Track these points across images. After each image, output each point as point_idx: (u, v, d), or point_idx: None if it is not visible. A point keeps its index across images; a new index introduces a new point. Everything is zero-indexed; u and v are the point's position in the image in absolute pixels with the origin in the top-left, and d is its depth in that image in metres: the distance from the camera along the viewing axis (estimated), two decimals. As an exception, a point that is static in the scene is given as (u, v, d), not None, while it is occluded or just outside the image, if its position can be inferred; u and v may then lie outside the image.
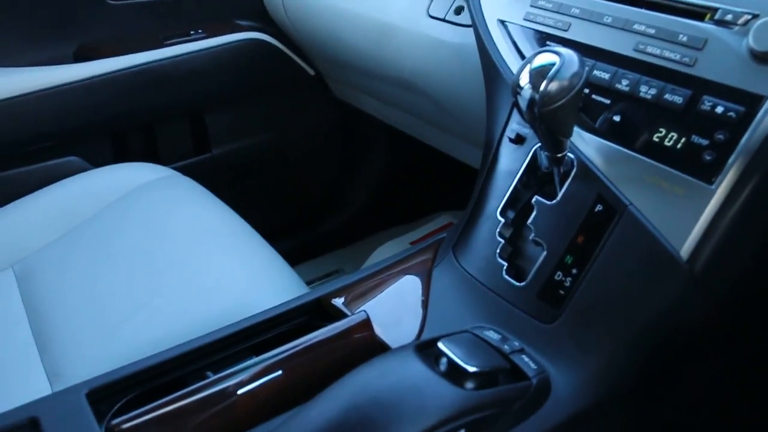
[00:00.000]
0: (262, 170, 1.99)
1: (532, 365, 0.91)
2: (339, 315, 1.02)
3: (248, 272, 1.29)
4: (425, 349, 0.90)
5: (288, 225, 1.99)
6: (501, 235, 1.03)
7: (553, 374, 0.92)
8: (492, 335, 0.95)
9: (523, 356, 0.92)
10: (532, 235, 1.00)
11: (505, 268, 1.01)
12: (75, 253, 1.35)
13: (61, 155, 1.76)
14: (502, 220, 1.04)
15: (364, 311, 0.95)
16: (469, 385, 0.85)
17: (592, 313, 0.93)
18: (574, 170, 0.99)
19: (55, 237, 1.41)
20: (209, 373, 0.95)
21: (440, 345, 0.87)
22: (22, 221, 1.47)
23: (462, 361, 0.85)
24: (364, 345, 0.94)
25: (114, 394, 0.93)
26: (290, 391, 0.89)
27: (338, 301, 1.05)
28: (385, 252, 2.00)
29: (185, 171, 1.62)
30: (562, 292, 0.95)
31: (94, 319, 1.20)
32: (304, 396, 0.89)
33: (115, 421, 0.80)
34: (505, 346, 0.93)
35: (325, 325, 1.02)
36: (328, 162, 2.09)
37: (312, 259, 2.00)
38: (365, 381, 0.84)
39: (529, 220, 1.01)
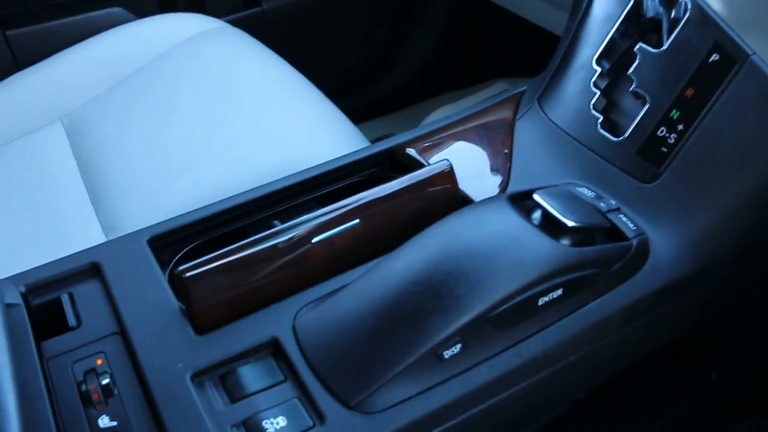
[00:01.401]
0: (314, 27, 1.85)
1: (631, 225, 0.82)
2: (415, 166, 0.93)
3: (310, 124, 1.19)
4: (518, 201, 0.80)
5: (338, 86, 1.87)
6: (596, 85, 0.92)
7: (652, 237, 0.83)
8: (585, 192, 0.85)
9: (621, 216, 0.83)
10: (633, 86, 0.88)
11: (600, 121, 0.90)
12: (126, 104, 1.25)
13: (103, 5, 1.64)
14: (598, 69, 0.92)
15: (447, 160, 0.85)
16: (565, 241, 0.76)
17: (697, 173, 0.83)
18: (688, 14, 0.86)
19: (103, 89, 1.31)
20: (277, 222, 0.87)
21: (536, 197, 0.78)
22: (67, 73, 1.36)
23: (560, 214, 0.76)
24: (447, 197, 0.85)
25: (176, 242, 0.86)
26: (367, 242, 0.81)
27: (413, 151, 0.95)
28: (439, 116, 1.89)
29: (234, 25, 1.50)
30: (664, 149, 0.85)
31: (149, 170, 1.12)
32: (381, 248, 0.81)
33: (180, 268, 0.73)
34: (601, 204, 0.83)
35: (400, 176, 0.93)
36: (384, 20, 1.95)
37: (363, 122, 1.89)
38: (457, 230, 0.75)
39: (630, 70, 0.89)
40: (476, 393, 0.71)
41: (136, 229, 0.87)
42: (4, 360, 0.59)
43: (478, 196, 0.88)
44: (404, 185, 0.83)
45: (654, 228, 0.83)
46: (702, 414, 1.27)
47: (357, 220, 0.80)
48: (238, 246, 0.75)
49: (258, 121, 1.18)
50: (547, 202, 0.77)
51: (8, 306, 0.65)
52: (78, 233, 1.06)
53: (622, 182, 0.87)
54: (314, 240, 0.78)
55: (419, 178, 0.83)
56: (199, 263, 0.73)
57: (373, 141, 1.88)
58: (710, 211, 0.83)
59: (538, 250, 0.73)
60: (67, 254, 0.83)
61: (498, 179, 0.91)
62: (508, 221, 0.76)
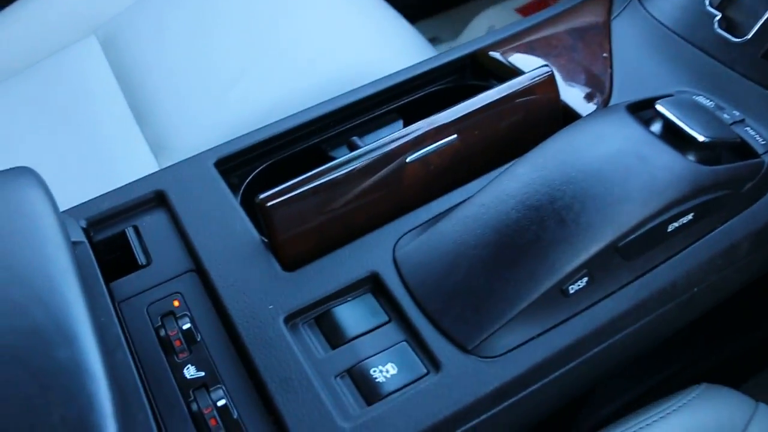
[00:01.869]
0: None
1: (759, 140, 0.72)
2: (502, 71, 0.82)
3: (371, 31, 1.07)
4: (637, 113, 0.70)
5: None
6: (712, -23, 0.80)
7: None
8: (703, 101, 0.75)
9: (747, 128, 0.73)
10: (759, -23, 0.77)
11: (717, 19, 0.79)
12: (165, 11, 1.13)
13: None
14: (715, -43, 0.80)
15: (547, 65, 0.75)
16: (691, 157, 0.67)
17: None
18: None
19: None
20: (355, 139, 0.77)
21: (660, 107, 0.68)
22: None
23: (689, 127, 0.66)
24: (549, 108, 0.75)
25: (244, 163, 0.76)
26: (465, 159, 0.71)
27: (498, 55, 0.84)
28: (486, 19, 1.75)
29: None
30: (797, 51, 0.74)
31: (196, 84, 1.01)
32: (479, 167, 0.71)
33: (261, 196, 0.63)
34: (724, 116, 0.73)
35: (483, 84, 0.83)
36: None
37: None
38: (577, 147, 0.65)
39: (755, -44, 0.77)
40: (601, 330, 0.62)
41: (188, 149, 0.77)
42: (81, 311, 0.50)
43: (580, 106, 0.78)
44: (504, 94, 0.72)
45: (783, 139, 0.73)
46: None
47: (454, 135, 0.70)
48: (324, 168, 0.66)
49: (313, 24, 1.06)
50: (673, 114, 0.67)
51: (73, 244, 0.57)
52: (125, 156, 0.96)
53: (745, 90, 0.76)
54: (409, 159, 0.68)
55: (519, 86, 0.73)
56: (282, 190, 0.64)
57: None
58: None
59: (671, 170, 0.64)
60: (117, 180, 0.73)
61: (599, 87, 0.80)
62: (632, 136, 0.66)
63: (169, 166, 0.74)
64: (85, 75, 1.05)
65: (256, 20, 1.07)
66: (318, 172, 0.65)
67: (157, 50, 1.07)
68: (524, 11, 1.75)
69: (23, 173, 0.60)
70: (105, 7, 1.17)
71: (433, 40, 1.74)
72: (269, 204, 0.63)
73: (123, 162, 0.93)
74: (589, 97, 0.79)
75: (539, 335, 0.60)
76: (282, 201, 0.63)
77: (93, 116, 0.99)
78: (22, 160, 0.65)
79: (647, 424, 0.66)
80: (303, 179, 0.65)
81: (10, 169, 0.61)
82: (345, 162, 0.66)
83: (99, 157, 0.94)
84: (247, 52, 1.03)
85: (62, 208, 0.65)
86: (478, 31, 1.72)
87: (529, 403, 0.61)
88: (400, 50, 1.02)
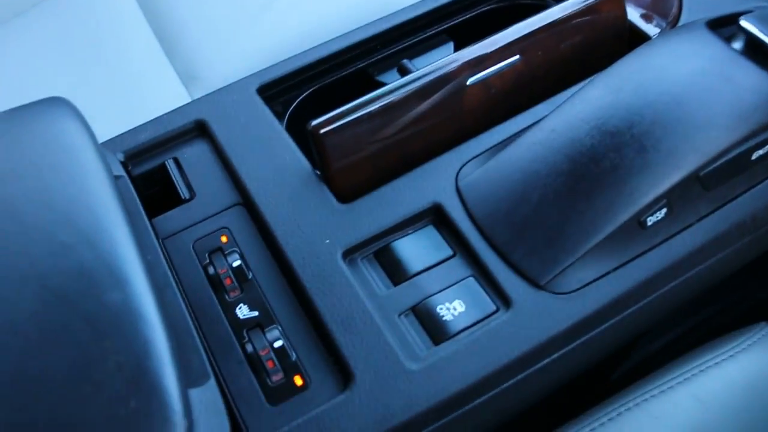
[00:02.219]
0: None
1: None
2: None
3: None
4: (718, 30, 0.64)
5: None
6: None
7: None
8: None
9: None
10: None
11: (796, -77, 0.72)
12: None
13: None
14: None
15: (614, -19, 0.69)
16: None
17: None
18: None
19: None
20: (406, 62, 0.72)
21: (744, 22, 0.62)
22: None
23: (778, 41, 0.60)
24: (615, 27, 0.69)
25: (288, 89, 0.71)
26: (528, 82, 0.66)
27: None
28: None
29: None
30: None
31: (226, 8, 0.95)
32: (544, 91, 0.66)
33: (313, 123, 0.58)
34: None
35: (547, 3, 0.77)
36: None
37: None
38: (655, 68, 0.59)
39: None
40: (678, 264, 0.58)
41: (220, 79, 0.72)
42: (131, 251, 0.46)
43: (647, 25, 0.72)
44: (568, 12, 0.66)
45: None
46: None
47: (517, 56, 0.64)
48: (379, 93, 0.60)
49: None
50: (760, 29, 0.61)
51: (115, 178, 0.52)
52: (155, 86, 0.91)
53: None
54: (469, 81, 0.62)
55: (584, 4, 0.67)
56: (334, 116, 0.59)
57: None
58: None
59: (759, 91, 0.58)
60: (147, 115, 0.68)
61: (667, 3, 0.74)
62: (715, 54, 0.60)
63: (208, 94, 0.69)
64: (107, 4, 0.99)
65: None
66: (372, 97, 0.60)
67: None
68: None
69: (58, 104, 0.55)
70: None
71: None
72: (322, 131, 0.58)
73: (152, 93, 0.88)
74: (658, 15, 0.73)
75: (615, 269, 0.56)
76: (335, 128, 0.58)
77: (118, 45, 0.94)
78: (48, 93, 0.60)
79: (701, 371, 0.61)
80: (356, 105, 0.60)
81: (44, 99, 0.56)
82: (400, 86, 0.61)
83: (126, 91, 0.88)
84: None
85: (97, 141, 0.61)
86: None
87: (602, 340, 0.57)
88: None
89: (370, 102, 0.60)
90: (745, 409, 0.57)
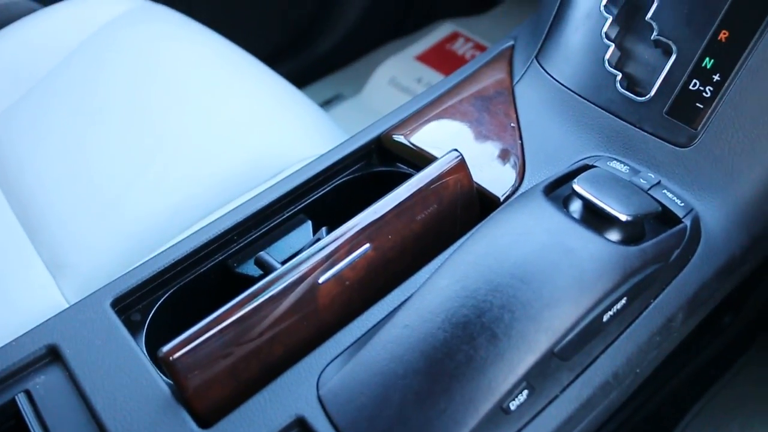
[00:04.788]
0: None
1: (678, 202, 0.68)
2: (407, 155, 0.76)
3: (267, 111, 0.99)
4: (551, 193, 0.65)
5: (274, 50, 1.66)
6: (607, 36, 0.76)
7: (699, 210, 0.69)
8: (618, 167, 0.71)
9: (664, 191, 0.69)
10: (654, 34, 0.73)
11: (618, 79, 0.75)
12: (47, 113, 1.03)
13: (-1, -6, 1.38)
14: (609, 17, 0.76)
15: (456, 150, 0.69)
16: (614, 235, 0.62)
17: (740, 130, 0.69)
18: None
19: (16, 97, 1.08)
20: (262, 255, 0.70)
21: (577, 187, 0.63)
22: (-31, 81, 1.13)
23: (610, 206, 0.61)
24: (463, 195, 0.69)
25: (146, 295, 0.68)
26: (382, 268, 0.65)
27: (402, 138, 0.78)
28: (388, 70, 1.70)
29: (152, -1, 1.27)
30: (700, 105, 0.70)
31: (88, 192, 0.92)
32: (399, 272, 0.65)
33: (164, 350, 0.55)
34: (641, 180, 0.69)
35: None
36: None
37: (307, 85, 1.69)
38: (498, 250, 0.59)
39: (648, 15, 0.73)
40: (548, 439, 0.56)
41: (86, 265, 0.68)
42: None
43: (494, 186, 0.72)
44: (413, 190, 0.66)
45: (699, 198, 0.70)
46: (716, 357, 1.17)
47: (367, 245, 0.63)
48: (229, 308, 0.58)
49: (208, 118, 0.98)
50: (591, 193, 0.62)
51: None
52: (20, 277, 0.86)
53: (655, 148, 0.72)
54: (321, 280, 0.61)
55: (427, 179, 0.67)
56: (184, 340, 0.55)
57: (322, 104, 1.69)
58: (759, 171, 0.69)
59: (599, 259, 0.58)
60: (13, 309, 0.64)
61: (512, 162, 0.74)
62: (554, 227, 0.60)
63: (59, 313, 0.65)
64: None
65: (149, 117, 0.98)
66: (223, 312, 0.57)
67: (43, 157, 0.97)
68: (424, 58, 1.71)
69: None
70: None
71: (337, 98, 1.69)
72: (172, 358, 0.55)
73: (17, 286, 0.83)
74: (503, 175, 0.73)
75: (484, 460, 0.54)
76: (187, 351, 0.55)
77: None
78: None
79: None
80: (207, 323, 0.57)
81: None
82: (251, 296, 0.58)
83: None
84: (137, 151, 0.94)
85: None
86: (380, 84, 1.67)
87: None
88: (300, 130, 0.96)
89: (222, 318, 0.57)
90: None
